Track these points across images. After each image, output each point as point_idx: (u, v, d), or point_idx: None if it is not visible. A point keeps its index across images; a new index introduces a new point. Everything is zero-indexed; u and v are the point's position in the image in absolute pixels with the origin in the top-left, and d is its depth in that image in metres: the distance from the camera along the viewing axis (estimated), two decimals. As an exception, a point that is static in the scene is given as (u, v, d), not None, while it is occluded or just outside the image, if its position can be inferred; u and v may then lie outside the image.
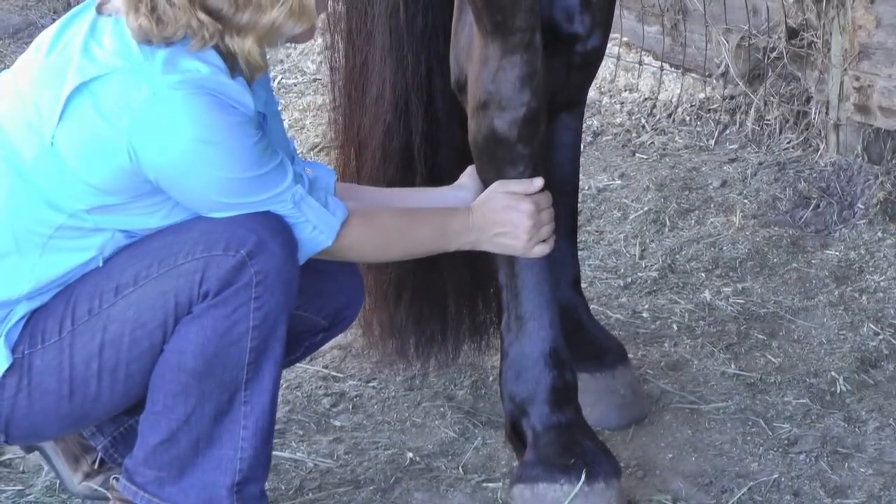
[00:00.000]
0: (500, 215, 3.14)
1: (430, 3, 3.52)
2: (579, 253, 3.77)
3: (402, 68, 3.54)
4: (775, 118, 5.31)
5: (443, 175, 3.54)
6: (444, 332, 3.77)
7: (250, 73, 2.86)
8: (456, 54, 3.32)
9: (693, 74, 5.63)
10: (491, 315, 3.77)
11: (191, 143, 2.75)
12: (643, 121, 5.59)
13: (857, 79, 4.89)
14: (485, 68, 3.19)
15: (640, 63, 5.82)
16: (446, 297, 3.75)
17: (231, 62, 2.83)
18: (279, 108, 3.16)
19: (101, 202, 2.82)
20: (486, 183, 3.24)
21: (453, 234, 3.12)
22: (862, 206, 4.77)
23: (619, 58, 5.85)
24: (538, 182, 3.19)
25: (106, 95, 2.75)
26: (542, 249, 3.19)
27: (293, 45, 6.19)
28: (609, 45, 3.67)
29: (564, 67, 3.42)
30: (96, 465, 3.29)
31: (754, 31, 5.34)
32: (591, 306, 3.81)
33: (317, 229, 2.91)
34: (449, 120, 3.56)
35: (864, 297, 4.27)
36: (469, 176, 3.30)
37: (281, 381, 3.04)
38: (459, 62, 3.31)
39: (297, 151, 3.16)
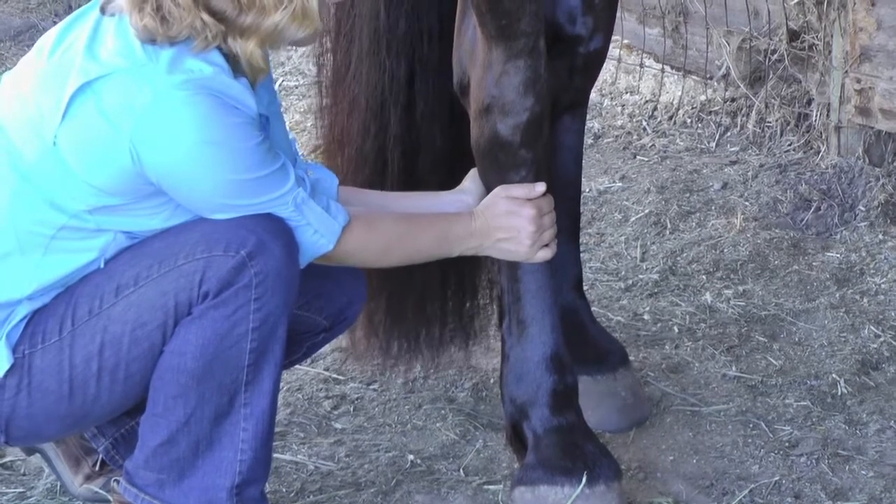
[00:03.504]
0: (502, 220, 3.12)
1: (414, 6, 3.49)
2: (581, 255, 3.75)
3: (380, 70, 3.52)
4: (776, 120, 5.31)
5: (419, 181, 3.52)
6: (443, 336, 3.76)
7: (253, 76, 2.86)
8: (459, 57, 3.31)
9: (694, 77, 5.63)
10: (491, 317, 3.76)
11: (193, 145, 2.74)
12: (644, 123, 5.59)
13: (858, 81, 4.89)
14: (488, 72, 3.18)
15: (641, 65, 5.81)
16: (447, 300, 3.75)
17: (234, 63, 2.82)
18: (281, 109, 3.14)
19: (103, 203, 2.81)
20: (488, 187, 3.22)
21: (455, 240, 3.11)
22: (863, 209, 4.77)
23: (619, 60, 5.85)
24: (540, 187, 3.18)
25: (109, 95, 2.74)
26: (545, 254, 3.18)
27: (295, 48, 6.19)
28: (610, 47, 3.66)
29: (567, 69, 3.41)
30: (97, 468, 3.28)
31: (755, 34, 5.33)
32: (592, 308, 3.80)
33: (318, 233, 2.90)
34: (429, 125, 3.54)
35: (865, 300, 4.26)
36: (471, 180, 3.28)
37: (281, 384, 3.03)
38: (462, 65, 3.30)
39: (299, 153, 3.15)
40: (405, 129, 3.55)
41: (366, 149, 3.56)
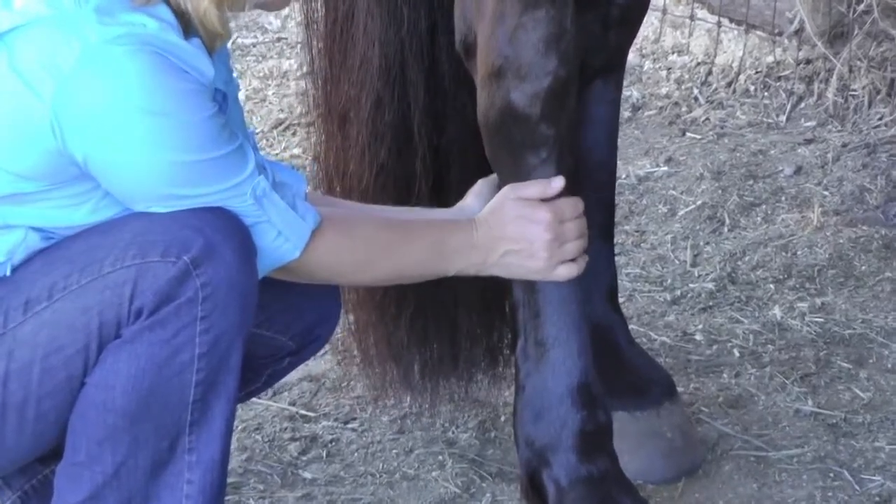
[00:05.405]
0: (510, 229, 3.11)
1: None
2: (616, 258, 3.76)
3: (395, 24, 3.54)
4: (863, 88, 5.34)
5: (451, 158, 3.56)
6: (455, 356, 3.77)
7: (209, 40, 2.85)
8: (462, 8, 3.32)
9: (759, 32, 5.65)
10: (505, 337, 3.77)
11: (131, 114, 2.74)
12: (695, 91, 5.63)
13: (967, 39, 4.90)
14: (500, 26, 3.18)
15: (692, 18, 5.83)
16: (455, 313, 3.76)
17: (186, 20, 2.81)
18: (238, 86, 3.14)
19: (11, 190, 2.80)
20: (499, 173, 3.23)
21: (453, 253, 3.09)
22: (972, 200, 4.80)
23: (664, 11, 5.88)
24: (557, 183, 3.16)
25: (25, 51, 2.74)
26: (567, 271, 3.17)
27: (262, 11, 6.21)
28: (653, -6, 3.68)
29: (600, 23, 3.43)
30: (2, 528, 3.28)
31: (836, -22, 5.35)
32: (631, 326, 3.82)
33: (282, 235, 2.89)
34: (458, 89, 3.56)
35: (974, 316, 4.29)
36: (474, 196, 3.27)
37: (236, 422, 3.03)
38: (467, 18, 3.31)
39: (257, 133, 3.15)
40: (431, 97, 3.56)
41: (382, 122, 3.58)
